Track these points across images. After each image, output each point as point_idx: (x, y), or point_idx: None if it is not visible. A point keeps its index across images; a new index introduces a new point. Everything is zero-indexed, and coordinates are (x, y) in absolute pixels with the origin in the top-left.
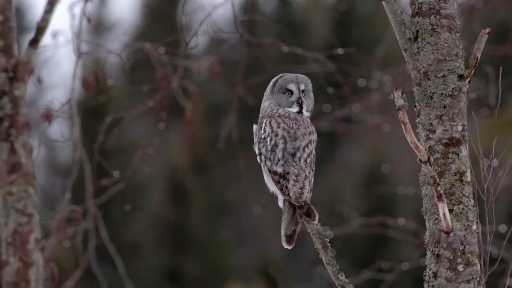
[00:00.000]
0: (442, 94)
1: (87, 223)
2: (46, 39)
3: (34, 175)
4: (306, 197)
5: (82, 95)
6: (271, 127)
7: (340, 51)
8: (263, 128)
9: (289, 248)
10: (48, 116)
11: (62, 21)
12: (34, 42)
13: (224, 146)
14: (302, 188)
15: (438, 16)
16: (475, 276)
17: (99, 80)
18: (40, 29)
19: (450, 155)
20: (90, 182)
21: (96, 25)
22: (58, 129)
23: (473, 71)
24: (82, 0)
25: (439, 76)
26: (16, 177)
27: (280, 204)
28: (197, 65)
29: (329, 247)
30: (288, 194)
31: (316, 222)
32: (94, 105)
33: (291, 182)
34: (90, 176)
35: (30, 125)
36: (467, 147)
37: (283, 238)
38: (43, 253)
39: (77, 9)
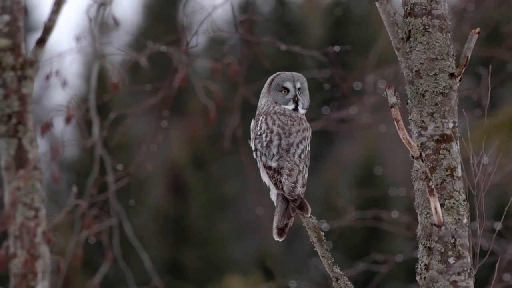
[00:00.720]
0: (433, 92)
1: (112, 219)
2: (69, 42)
3: (55, 174)
4: (299, 191)
5: (86, 93)
6: (267, 124)
7: (336, 48)
8: (259, 125)
9: (280, 240)
10: (69, 118)
11: (68, 21)
12: (41, 42)
13: (223, 143)
14: (295, 182)
15: (429, 17)
16: (465, 268)
17: (114, 80)
18: (47, 29)
19: (441, 151)
20: (112, 180)
21: (100, 26)
22: (65, 128)
23: (463, 69)
24: (95, 4)
25: (430, 74)
26: (24, 173)
27: (273, 198)
28: (216, 64)
29: (324, 240)
30: (282, 188)
31: (309, 216)
32: (99, 103)
33: (285, 176)
34: (112, 174)
35: (52, 126)
36: (458, 144)
37: (274, 231)
38: (73, 248)
39: (93, 12)
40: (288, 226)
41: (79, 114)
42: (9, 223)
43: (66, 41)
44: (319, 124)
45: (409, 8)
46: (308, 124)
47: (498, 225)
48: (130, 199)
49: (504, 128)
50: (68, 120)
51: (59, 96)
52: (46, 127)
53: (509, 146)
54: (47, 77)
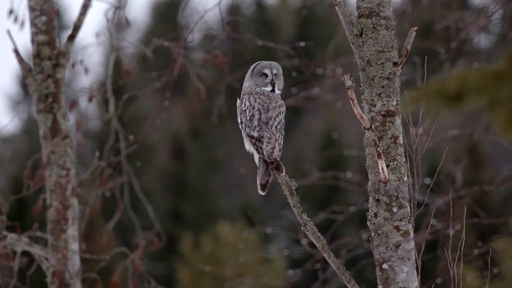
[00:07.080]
0: (381, 77)
1: (122, 178)
2: (90, 37)
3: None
4: (276, 155)
5: (105, 78)
6: (250, 102)
7: (302, 44)
8: (243, 102)
9: (263, 194)
10: (91, 97)
11: (92, 20)
12: (72, 37)
13: (216, 118)
14: (273, 148)
15: (378, 17)
16: (406, 216)
17: (127, 68)
18: (76, 27)
19: (387, 124)
20: (124, 146)
21: (116, 25)
22: (88, 105)
23: (404, 59)
24: (112, 8)
25: (378, 63)
26: (58, 140)
27: (256, 161)
28: (207, 56)
29: (295, 193)
30: (262, 153)
31: (284, 174)
32: (115, 86)
33: (265, 143)
34: (124, 142)
35: (78, 103)
36: (400, 117)
37: (258, 187)
38: (90, 201)
39: (110, 14)
40: (269, 183)
41: (99, 95)
42: (44, 180)
43: (91, 36)
44: (291, 101)
45: (361, 11)
46: (282, 102)
47: (432, 182)
48: (141, 161)
49: (431, 95)
50: (90, 99)
51: (85, 81)
52: (73, 104)
53: (436, 110)
54: (73, 65)
